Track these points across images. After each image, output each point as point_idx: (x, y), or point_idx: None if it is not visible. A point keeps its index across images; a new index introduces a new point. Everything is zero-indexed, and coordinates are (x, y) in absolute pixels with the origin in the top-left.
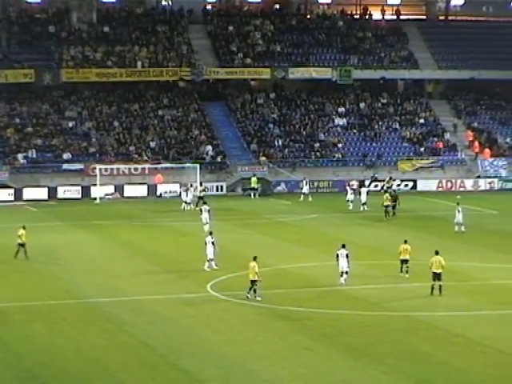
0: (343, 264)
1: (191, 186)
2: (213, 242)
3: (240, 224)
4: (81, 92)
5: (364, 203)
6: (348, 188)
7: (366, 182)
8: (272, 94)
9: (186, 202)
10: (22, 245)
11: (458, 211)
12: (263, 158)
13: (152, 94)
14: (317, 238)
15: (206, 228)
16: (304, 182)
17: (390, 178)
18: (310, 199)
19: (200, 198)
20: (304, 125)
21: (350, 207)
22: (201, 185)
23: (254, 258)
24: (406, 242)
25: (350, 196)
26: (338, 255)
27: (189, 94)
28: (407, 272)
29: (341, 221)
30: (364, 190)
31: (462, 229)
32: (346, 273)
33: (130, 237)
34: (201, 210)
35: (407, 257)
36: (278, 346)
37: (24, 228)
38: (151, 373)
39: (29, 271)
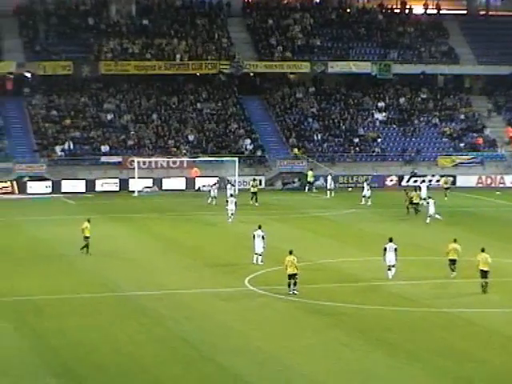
0: (391, 258)
1: (217, 182)
2: (263, 236)
3: (278, 219)
4: (119, 84)
5: (424, 198)
6: (365, 184)
7: (405, 178)
8: (311, 88)
9: (213, 197)
10: (85, 238)
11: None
12: (295, 150)
13: (191, 87)
14: (355, 234)
15: (230, 220)
16: (329, 178)
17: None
18: (332, 195)
19: (253, 193)
20: (343, 119)
21: (362, 202)
22: (254, 180)
23: (290, 252)
24: (455, 240)
25: (367, 192)
26: (385, 249)
27: (227, 88)
28: (453, 271)
29: (379, 216)
30: (424, 186)
31: (438, 217)
32: (394, 266)
33: (167, 230)
34: (227, 201)
35: (455, 257)
36: (314, 341)
37: (89, 221)
38: (187, 367)
39: (64, 264)
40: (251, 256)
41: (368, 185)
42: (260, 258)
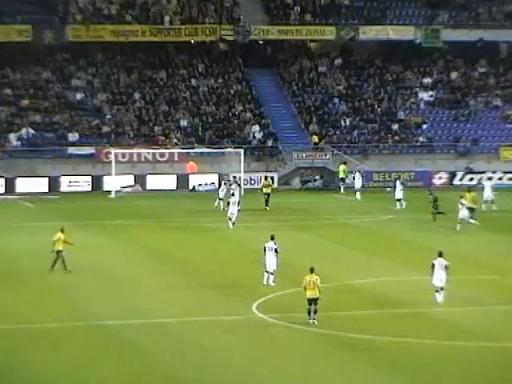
0: (440, 277)
1: (226, 180)
2: (276, 250)
3: (295, 226)
4: (92, 55)
5: (489, 201)
6: (398, 182)
7: (459, 174)
8: (338, 59)
9: (220, 198)
10: (58, 252)
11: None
12: (315, 138)
13: (183, 58)
14: (392, 246)
15: (231, 225)
16: (357, 175)
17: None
18: (360, 197)
19: (267, 195)
20: (378, 100)
21: (397, 207)
22: (266, 178)
23: (312, 270)
24: None
25: (399, 193)
26: (433, 265)
27: (230, 60)
28: None
29: (423, 224)
30: (488, 185)
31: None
32: (442, 289)
33: (153, 241)
34: (228, 203)
35: None
36: (340, 382)
37: (63, 231)
38: None
39: (23, 284)
40: (260, 274)
41: (402, 183)
42: (272, 277)
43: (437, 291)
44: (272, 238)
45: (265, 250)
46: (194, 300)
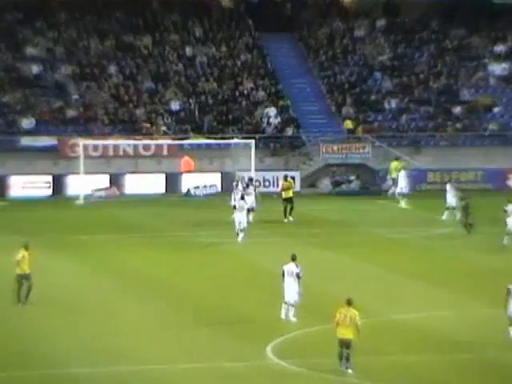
0: None
1: (240, 181)
2: (298, 275)
3: (322, 242)
4: (53, 14)
5: None
6: (449, 186)
7: None
8: (380, 21)
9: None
10: (23, 277)
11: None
12: (348, 123)
13: (174, 19)
14: (451, 269)
15: (239, 238)
16: (401, 174)
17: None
18: (403, 205)
19: (287, 201)
20: (434, 75)
21: (444, 217)
22: (285, 179)
23: (349, 303)
24: None
25: (451, 200)
26: (508, 291)
27: (237, 21)
28: None
29: (492, 240)
30: None
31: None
32: None
33: (135, 263)
34: (234, 208)
35: None
36: None
37: (26, 248)
38: None
39: None
40: (277, 307)
41: (453, 187)
42: (293, 310)
43: (510, 324)
44: (293, 259)
45: (283, 275)
46: (190, 341)
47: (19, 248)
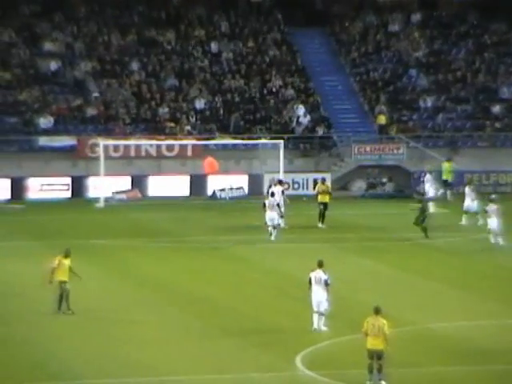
0: None
1: (279, 183)
2: (326, 282)
3: (355, 248)
4: (72, 8)
5: None
6: (468, 189)
7: None
8: (416, 15)
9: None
10: (61, 285)
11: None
12: (381, 118)
13: (199, 13)
14: (490, 276)
15: (273, 236)
16: (427, 178)
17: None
18: (431, 207)
19: (323, 206)
20: (473, 72)
21: (463, 222)
22: (323, 182)
23: (377, 311)
24: None
25: (470, 204)
26: None
27: (265, 15)
28: None
29: None
30: None
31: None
32: None
33: (158, 270)
34: (264, 205)
35: None
36: None
37: (67, 256)
38: None
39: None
40: (307, 316)
41: (473, 191)
42: (323, 319)
43: None
44: (320, 266)
45: (310, 283)
46: (216, 351)
47: (54, 255)
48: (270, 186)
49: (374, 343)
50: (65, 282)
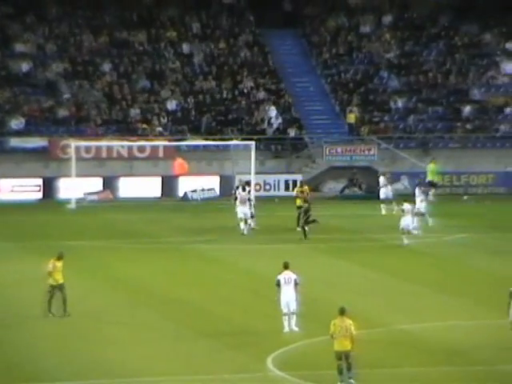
0: None
1: (245, 186)
2: (296, 281)
3: (328, 249)
4: (44, 8)
5: None
6: (382, 178)
7: None
8: (387, 16)
9: (244, 219)
10: (56, 287)
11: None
12: (350, 117)
13: (171, 14)
14: (462, 276)
15: (246, 231)
16: (381, 181)
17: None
18: (383, 211)
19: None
20: (444, 73)
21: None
22: (301, 185)
23: (342, 312)
24: None
25: (420, 204)
26: (511, 294)
27: (237, 16)
28: None
29: (508, 245)
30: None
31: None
32: None
33: (130, 271)
34: (235, 199)
35: None
36: None
37: (59, 259)
38: None
39: None
40: (280, 316)
41: (387, 180)
42: (294, 318)
43: None
44: (286, 268)
45: (279, 285)
46: (188, 352)
47: (50, 257)
48: (237, 187)
49: (342, 344)
50: (60, 285)
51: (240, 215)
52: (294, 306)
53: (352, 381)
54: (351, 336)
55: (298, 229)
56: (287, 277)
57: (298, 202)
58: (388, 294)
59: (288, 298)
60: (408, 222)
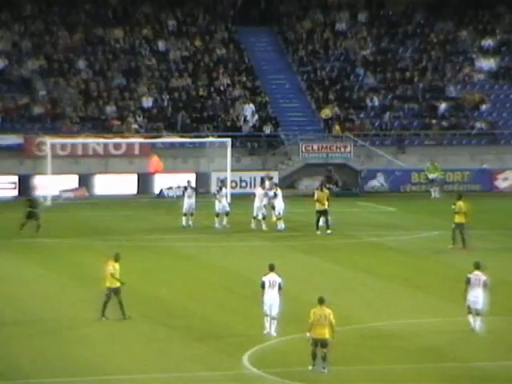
0: (477, 297)
1: (221, 185)
2: (280, 285)
3: (304, 247)
4: (18, 5)
5: None
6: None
7: None
8: (362, 13)
9: (217, 215)
10: (114, 290)
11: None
12: (325, 111)
13: (147, 11)
14: (438, 274)
15: (222, 224)
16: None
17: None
18: (264, 227)
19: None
20: (420, 70)
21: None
22: (269, 178)
23: (321, 302)
24: None
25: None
26: (468, 280)
27: (213, 14)
28: None
29: (484, 242)
30: None
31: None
32: (478, 314)
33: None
34: (215, 194)
35: None
36: None
37: (117, 259)
38: None
39: None
40: (255, 313)
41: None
42: (275, 323)
43: (469, 313)
44: (272, 269)
45: (263, 287)
46: (163, 350)
47: (108, 258)
48: (220, 188)
49: (320, 332)
50: (117, 288)
51: (219, 210)
52: (276, 310)
53: (325, 370)
54: (330, 324)
55: (318, 232)
56: (272, 279)
57: (319, 205)
58: (362, 291)
59: (271, 301)
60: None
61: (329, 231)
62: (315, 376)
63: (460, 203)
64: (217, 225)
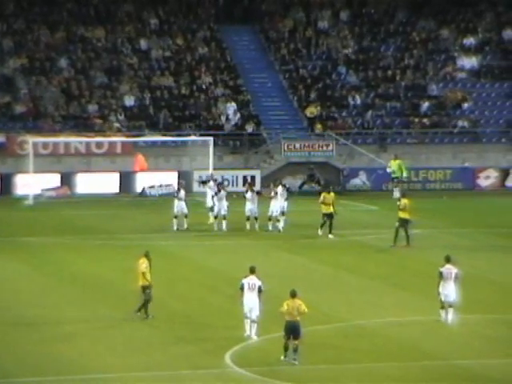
0: (449, 290)
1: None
2: (260, 288)
3: (287, 246)
4: (0, 5)
5: None
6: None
7: None
8: (344, 12)
9: (211, 209)
10: (146, 288)
11: None
12: (311, 109)
13: (128, 10)
14: (421, 273)
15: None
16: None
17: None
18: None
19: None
20: (402, 69)
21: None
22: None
23: (293, 295)
24: None
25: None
26: (441, 274)
27: (195, 12)
28: None
29: (467, 240)
30: None
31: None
32: (451, 306)
33: (87, 268)
34: (202, 183)
35: None
36: None
37: (147, 256)
38: None
39: None
40: (237, 312)
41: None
42: (255, 327)
43: (442, 307)
44: (252, 272)
45: (242, 289)
46: (146, 348)
47: (140, 256)
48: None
49: (291, 316)
50: (149, 286)
51: (206, 203)
52: (256, 313)
53: (296, 362)
54: (303, 313)
55: (320, 233)
56: (252, 282)
57: (326, 208)
58: (345, 289)
59: (251, 304)
60: (277, 207)
61: (331, 235)
62: (298, 374)
63: (404, 200)
64: (223, 227)
